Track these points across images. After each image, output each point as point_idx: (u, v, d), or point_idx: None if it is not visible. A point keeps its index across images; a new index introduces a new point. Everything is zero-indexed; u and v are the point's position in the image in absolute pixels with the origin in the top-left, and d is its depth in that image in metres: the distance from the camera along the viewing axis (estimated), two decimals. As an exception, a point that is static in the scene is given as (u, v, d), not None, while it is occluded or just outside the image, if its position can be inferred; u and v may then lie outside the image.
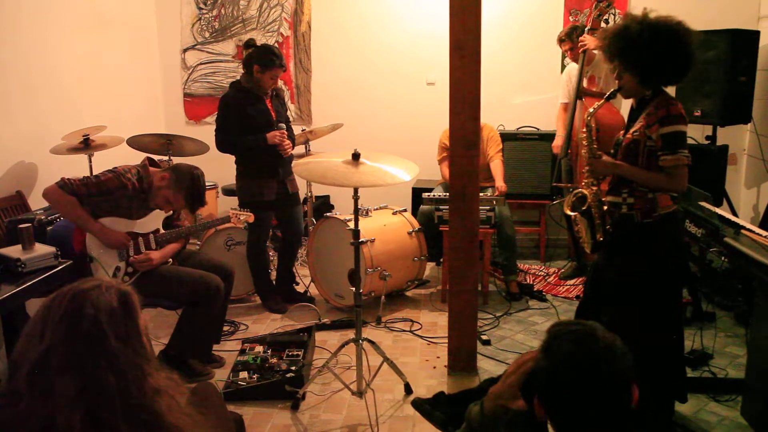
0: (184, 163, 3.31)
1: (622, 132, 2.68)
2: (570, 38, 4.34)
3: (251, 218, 3.51)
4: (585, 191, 2.71)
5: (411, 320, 4.02)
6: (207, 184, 3.34)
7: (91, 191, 3.04)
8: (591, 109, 2.74)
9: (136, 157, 4.79)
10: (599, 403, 1.20)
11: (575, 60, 4.33)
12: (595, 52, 4.03)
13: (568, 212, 2.74)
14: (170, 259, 3.30)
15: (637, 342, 2.56)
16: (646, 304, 2.57)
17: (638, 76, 2.51)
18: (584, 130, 2.71)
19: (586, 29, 4.17)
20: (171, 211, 3.35)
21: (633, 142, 2.54)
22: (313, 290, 4.38)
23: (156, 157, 5.02)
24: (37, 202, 3.85)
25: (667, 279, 2.59)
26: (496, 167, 4.55)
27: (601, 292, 2.72)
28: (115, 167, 3.16)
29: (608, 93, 2.69)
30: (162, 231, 3.26)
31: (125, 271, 3.14)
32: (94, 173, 3.14)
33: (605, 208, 2.68)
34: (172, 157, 4.39)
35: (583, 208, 2.68)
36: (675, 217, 2.60)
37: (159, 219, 3.25)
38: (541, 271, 4.84)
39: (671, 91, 2.72)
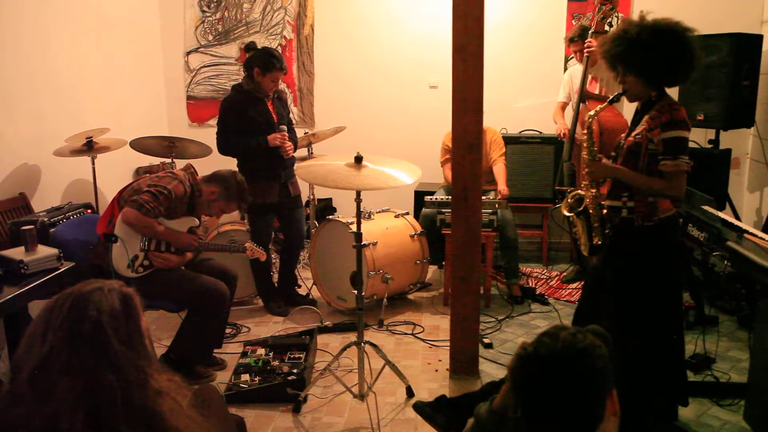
0: (223, 171, 3.41)
1: (623, 135, 2.67)
2: (582, 39, 4.23)
3: (263, 257, 3.57)
4: (583, 193, 2.69)
5: (413, 323, 4.01)
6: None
7: (166, 205, 3.13)
8: (592, 112, 2.70)
9: (140, 160, 4.82)
10: (557, 399, 1.21)
11: (582, 61, 4.28)
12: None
13: (566, 213, 2.72)
14: (182, 267, 3.33)
15: (637, 345, 2.56)
16: (646, 308, 2.55)
17: (642, 77, 2.48)
18: (584, 132, 2.69)
19: (590, 32, 4.16)
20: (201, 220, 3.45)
21: (635, 145, 2.52)
22: (315, 293, 4.38)
23: (159, 160, 5.04)
24: (40, 204, 3.86)
25: (668, 283, 2.58)
26: (499, 170, 4.55)
27: (601, 295, 2.71)
28: (174, 172, 3.27)
29: (612, 96, 2.66)
30: None
31: (141, 262, 3.17)
32: (156, 182, 3.17)
33: (604, 212, 2.65)
34: (175, 160, 4.41)
35: (580, 209, 2.66)
36: (675, 221, 2.59)
37: (186, 225, 3.29)
38: (543, 274, 4.84)
39: (675, 93, 2.71)
